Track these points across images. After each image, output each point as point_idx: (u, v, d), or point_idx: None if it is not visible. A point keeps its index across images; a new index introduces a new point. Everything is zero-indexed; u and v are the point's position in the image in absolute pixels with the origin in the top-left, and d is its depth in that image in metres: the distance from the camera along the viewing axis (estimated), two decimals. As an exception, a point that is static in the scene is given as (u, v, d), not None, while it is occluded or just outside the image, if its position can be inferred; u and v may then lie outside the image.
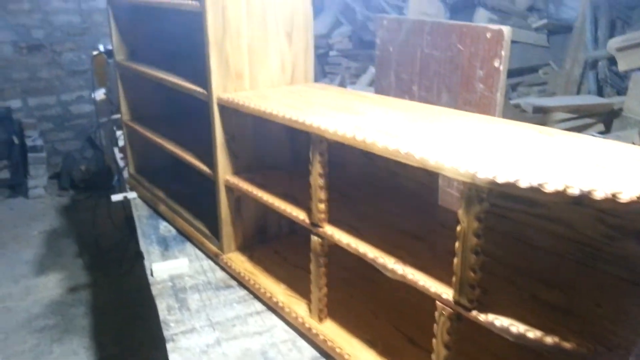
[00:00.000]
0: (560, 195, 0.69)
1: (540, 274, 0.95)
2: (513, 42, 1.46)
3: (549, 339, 0.77)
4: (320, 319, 1.23)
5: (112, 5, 1.94)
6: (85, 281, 3.32)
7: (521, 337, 0.79)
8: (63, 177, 4.69)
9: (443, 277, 0.93)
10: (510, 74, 1.55)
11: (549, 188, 0.70)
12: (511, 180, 0.73)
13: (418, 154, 0.86)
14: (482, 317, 0.84)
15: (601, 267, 0.95)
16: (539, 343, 0.78)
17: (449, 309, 0.89)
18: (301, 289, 1.34)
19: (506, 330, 0.81)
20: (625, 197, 0.66)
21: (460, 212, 0.82)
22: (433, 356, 0.94)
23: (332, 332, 1.20)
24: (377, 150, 0.94)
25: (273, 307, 1.35)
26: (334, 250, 1.16)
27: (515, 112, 1.95)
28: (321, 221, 1.16)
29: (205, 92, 1.45)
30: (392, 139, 0.95)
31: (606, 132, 1.97)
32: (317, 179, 1.14)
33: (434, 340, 0.93)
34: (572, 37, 2.25)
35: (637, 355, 0.72)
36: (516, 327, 0.80)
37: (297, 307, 1.30)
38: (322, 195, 1.15)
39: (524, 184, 0.72)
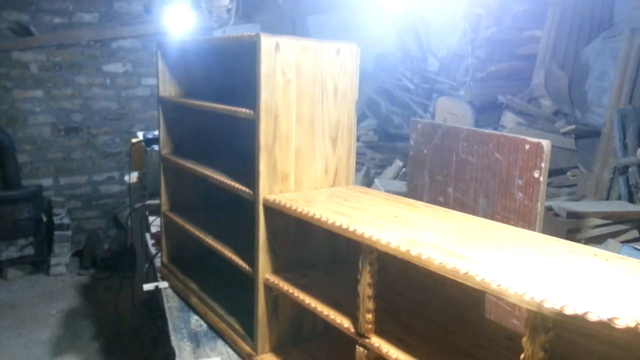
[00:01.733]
0: (632, 332, 0.69)
1: (601, 403, 0.92)
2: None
3: None
4: None
5: (162, 104, 2.06)
6: (100, 367, 3.24)
7: None
8: (85, 256, 4.73)
9: (500, 402, 0.90)
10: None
11: (620, 324, 0.70)
12: (580, 312, 0.73)
13: (479, 277, 0.87)
14: None
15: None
16: None
17: None
18: (340, 398, 1.30)
19: None
20: (702, 339, 0.66)
21: (524, 340, 0.81)
22: None
23: None
24: (434, 268, 0.95)
25: (311, 418, 1.31)
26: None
27: (548, 215, 1.96)
28: (368, 332, 1.15)
29: (251, 192, 1.50)
30: (448, 257, 0.96)
31: (640, 239, 1.97)
32: (365, 289, 1.14)
33: None
34: (600, 143, 2.32)
35: None
36: None
37: (338, 419, 1.25)
38: (371, 305, 1.14)
39: (593, 317, 0.72)
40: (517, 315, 1.47)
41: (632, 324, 0.69)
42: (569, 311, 0.74)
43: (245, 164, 1.54)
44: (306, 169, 1.55)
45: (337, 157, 1.60)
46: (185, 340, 1.71)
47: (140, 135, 3.48)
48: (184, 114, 2.11)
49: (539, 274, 0.89)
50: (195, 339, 1.71)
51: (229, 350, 1.65)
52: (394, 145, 3.98)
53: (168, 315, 1.90)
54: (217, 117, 2.10)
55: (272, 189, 1.49)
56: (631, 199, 2.07)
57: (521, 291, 0.81)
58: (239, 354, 1.62)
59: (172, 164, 2.07)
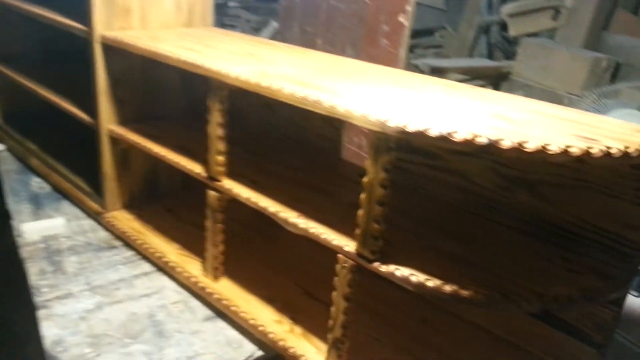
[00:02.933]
0: (469, 144, 0.68)
1: (439, 225, 0.96)
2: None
3: (448, 287, 0.78)
4: (216, 277, 1.16)
5: None
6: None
7: (421, 286, 0.79)
8: None
9: (346, 230, 0.90)
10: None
11: (458, 137, 0.69)
12: (421, 128, 0.71)
13: (327, 102, 0.81)
14: (384, 269, 0.82)
15: (495, 218, 0.98)
16: (438, 292, 0.78)
17: (350, 261, 0.87)
18: (194, 247, 1.25)
19: (406, 279, 0.80)
20: (530, 146, 0.66)
21: (368, 163, 0.79)
22: (332, 309, 0.91)
23: (227, 290, 1.14)
24: (284, 97, 0.88)
25: (163, 267, 1.26)
26: (231, 205, 1.09)
27: (414, 72, 1.97)
28: (219, 175, 1.08)
29: (85, 29, 1.27)
30: (301, 87, 0.88)
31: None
32: (215, 129, 1.05)
33: (334, 293, 0.90)
34: (467, 2, 2.33)
35: (531, 303, 0.75)
36: (416, 276, 0.80)
37: (190, 266, 1.21)
38: (221, 146, 1.06)
39: (433, 132, 0.70)
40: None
41: (469, 136, 0.68)
42: (411, 128, 0.72)
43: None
44: (153, 3, 1.34)
45: (191, -7, 1.40)
46: (24, 202, 1.53)
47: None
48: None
49: (389, 99, 0.85)
50: (36, 201, 1.54)
51: (76, 210, 1.51)
52: (271, 7, 3.72)
53: (5, 179, 1.68)
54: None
55: (111, 25, 1.28)
56: (491, 57, 2.16)
57: (367, 112, 0.76)
58: (87, 213, 1.49)
59: (-8, 2, 1.70)
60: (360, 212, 0.82)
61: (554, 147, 0.67)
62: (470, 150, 0.69)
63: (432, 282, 0.78)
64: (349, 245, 0.86)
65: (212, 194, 1.10)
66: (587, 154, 0.67)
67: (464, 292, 0.77)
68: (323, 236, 0.90)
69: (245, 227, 1.36)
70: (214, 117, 1.04)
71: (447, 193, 1.05)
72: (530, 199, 0.93)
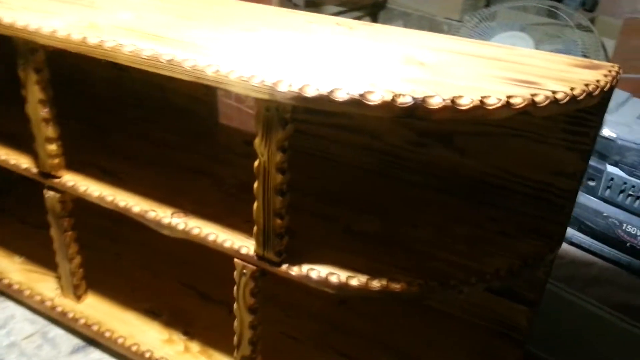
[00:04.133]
0: (388, 107, 0.51)
1: (348, 198, 0.81)
2: None
3: (376, 284, 0.63)
4: (78, 297, 0.92)
5: None
6: None
7: (344, 287, 0.64)
8: None
9: (239, 224, 0.71)
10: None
11: (375, 99, 0.51)
12: (324, 92, 0.52)
13: (189, 62, 0.58)
14: (295, 271, 0.65)
15: (411, 180, 0.84)
16: (364, 290, 0.63)
17: (251, 266, 0.68)
18: (45, 258, 0.97)
19: (325, 281, 0.64)
20: (465, 102, 0.51)
21: (257, 142, 0.59)
22: (235, 324, 0.73)
23: (96, 310, 0.91)
24: (125, 59, 0.63)
25: (5, 292, 0.97)
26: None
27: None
28: (55, 169, 0.81)
29: None
30: (148, 41, 0.64)
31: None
32: (37, 109, 0.76)
33: (235, 306, 0.72)
34: None
35: (472, 285, 0.63)
36: (337, 275, 0.64)
37: (42, 285, 0.95)
38: (50, 131, 0.78)
39: (342, 96, 0.52)
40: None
41: (388, 97, 0.51)
42: (311, 92, 0.52)
43: None
44: None
45: None
46: None
47: None
48: None
49: (271, 51, 0.64)
50: None
51: None
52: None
53: None
54: None
55: None
56: (365, -16, 1.99)
57: (247, 74, 0.55)
58: None
59: None
60: (256, 206, 0.63)
61: (493, 100, 0.52)
62: (392, 115, 0.52)
63: (356, 280, 0.63)
64: (246, 246, 0.68)
65: (50, 194, 0.83)
66: (532, 104, 0.53)
67: (395, 286, 0.63)
68: (211, 238, 0.70)
69: (107, 219, 1.10)
70: (32, 92, 0.76)
71: (351, 155, 0.89)
72: (447, 153, 0.80)
